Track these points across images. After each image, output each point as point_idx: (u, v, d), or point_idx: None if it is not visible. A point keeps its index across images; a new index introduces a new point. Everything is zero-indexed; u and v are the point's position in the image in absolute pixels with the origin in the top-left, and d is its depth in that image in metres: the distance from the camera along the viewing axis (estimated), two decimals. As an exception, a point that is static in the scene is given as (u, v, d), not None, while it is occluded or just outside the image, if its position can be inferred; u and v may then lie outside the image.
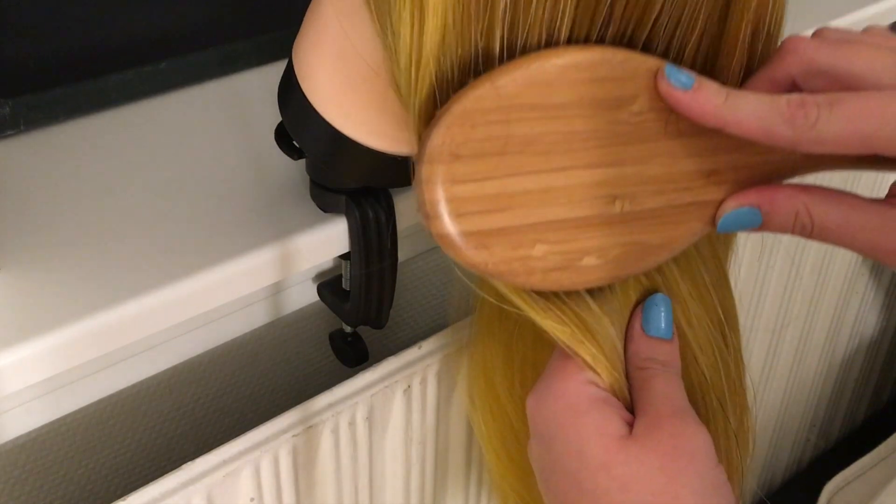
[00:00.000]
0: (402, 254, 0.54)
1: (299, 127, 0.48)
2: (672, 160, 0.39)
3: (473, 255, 0.38)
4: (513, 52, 0.37)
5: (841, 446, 1.24)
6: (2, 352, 0.45)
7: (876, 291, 1.09)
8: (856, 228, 0.38)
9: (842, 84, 0.37)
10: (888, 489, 1.02)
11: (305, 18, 0.46)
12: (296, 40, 0.47)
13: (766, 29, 0.40)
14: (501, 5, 0.36)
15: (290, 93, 0.47)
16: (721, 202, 0.40)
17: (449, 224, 0.37)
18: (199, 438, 0.68)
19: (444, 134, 0.36)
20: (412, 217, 0.54)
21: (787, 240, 0.92)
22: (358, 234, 0.52)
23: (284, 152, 0.51)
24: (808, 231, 0.39)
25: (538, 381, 0.43)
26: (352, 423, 0.59)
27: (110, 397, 0.62)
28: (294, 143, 0.51)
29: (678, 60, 0.40)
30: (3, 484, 0.59)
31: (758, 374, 0.96)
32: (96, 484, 0.64)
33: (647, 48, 0.39)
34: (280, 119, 0.50)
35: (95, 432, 0.62)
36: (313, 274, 0.67)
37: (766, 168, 0.40)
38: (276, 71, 0.51)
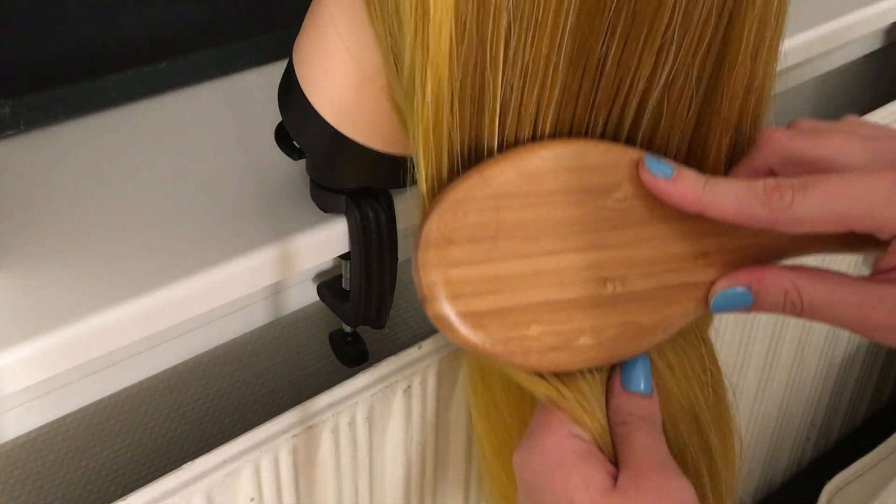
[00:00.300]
0: (402, 254, 0.54)
1: (299, 127, 0.48)
2: (661, 243, 0.40)
3: (470, 336, 0.39)
4: (502, 145, 0.39)
5: (841, 446, 1.24)
6: (2, 352, 0.45)
7: (876, 291, 1.08)
8: (844, 305, 0.39)
9: (816, 170, 0.39)
10: (888, 489, 1.02)
11: (306, 19, 0.46)
12: (296, 40, 0.47)
13: (747, 124, 0.42)
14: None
15: (291, 93, 0.47)
16: (712, 283, 0.41)
17: (445, 306, 0.39)
18: (199, 438, 0.68)
19: (437, 221, 0.39)
20: (412, 217, 0.54)
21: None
22: (358, 234, 0.52)
23: (284, 152, 0.51)
24: (799, 309, 0.40)
25: (523, 438, 0.43)
26: (352, 423, 0.59)
27: (110, 397, 0.62)
28: (294, 143, 0.51)
29: (662, 150, 0.42)
30: (3, 484, 0.59)
31: (758, 375, 0.96)
32: (96, 484, 0.64)
33: (631, 139, 0.41)
34: (280, 119, 0.50)
35: (95, 432, 0.62)
36: (313, 274, 0.67)
37: (754, 250, 0.41)
38: (276, 71, 0.51)
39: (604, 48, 0.39)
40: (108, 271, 0.49)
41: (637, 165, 0.40)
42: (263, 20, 0.66)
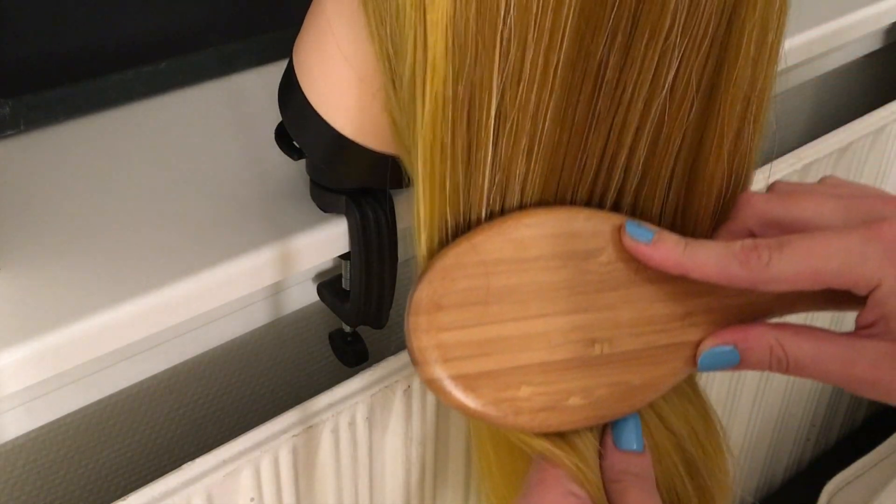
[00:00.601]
0: (402, 254, 0.54)
1: (299, 127, 0.48)
2: (646, 305, 0.41)
3: (462, 399, 0.40)
4: (490, 213, 0.41)
5: (841, 446, 1.24)
6: (2, 352, 0.45)
7: (876, 291, 1.08)
8: (828, 361, 0.40)
9: (793, 230, 0.40)
10: (888, 489, 1.02)
11: (306, 19, 0.46)
12: (296, 41, 0.47)
13: (749, 127, 0.43)
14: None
15: (291, 93, 0.47)
16: (699, 342, 0.42)
17: (437, 370, 0.40)
18: (199, 438, 0.68)
19: (427, 287, 0.40)
20: (412, 217, 0.54)
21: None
22: (358, 234, 0.52)
23: (284, 152, 0.51)
24: (785, 366, 0.41)
25: (520, 496, 0.43)
26: (352, 423, 0.59)
27: (110, 397, 0.62)
28: (294, 143, 0.51)
29: (645, 215, 0.43)
30: (4, 484, 0.59)
31: (758, 375, 0.96)
32: (96, 484, 0.64)
33: (617, 206, 0.43)
34: (280, 119, 0.50)
35: (95, 432, 0.62)
36: (313, 274, 0.67)
37: (740, 309, 0.42)
38: (276, 71, 0.51)
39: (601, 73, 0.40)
40: (108, 271, 0.49)
41: (619, 230, 0.41)
42: (263, 20, 0.66)
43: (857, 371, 0.39)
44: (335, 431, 0.59)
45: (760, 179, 0.76)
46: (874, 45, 1.03)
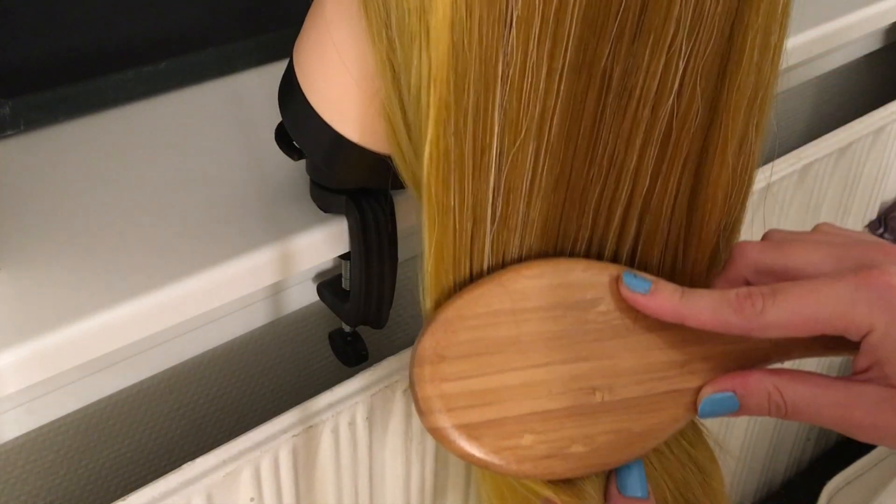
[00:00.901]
0: (402, 254, 0.54)
1: (300, 128, 0.48)
2: (645, 353, 0.42)
3: (466, 447, 0.41)
4: (492, 265, 0.42)
5: (841, 446, 1.24)
6: (2, 352, 0.45)
7: (876, 291, 1.08)
8: (825, 406, 0.41)
9: (786, 278, 0.41)
10: (888, 489, 1.02)
11: (306, 20, 0.46)
12: (297, 42, 0.47)
13: (752, 130, 0.43)
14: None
15: (291, 94, 0.47)
16: (699, 389, 0.43)
17: (441, 419, 0.41)
18: (199, 438, 0.68)
19: (429, 339, 0.41)
20: (412, 217, 0.54)
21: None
22: (358, 234, 0.52)
23: (284, 152, 0.51)
24: (783, 411, 0.41)
25: None
26: (352, 423, 0.59)
27: (110, 397, 0.62)
28: (294, 143, 0.51)
29: (643, 265, 0.44)
30: (4, 484, 0.59)
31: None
32: (96, 484, 0.64)
33: (616, 258, 0.44)
34: (280, 119, 0.50)
35: (95, 432, 0.62)
36: (313, 274, 0.67)
37: (738, 356, 0.43)
38: (276, 71, 0.51)
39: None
40: (108, 271, 0.49)
41: (617, 281, 0.42)
42: (263, 20, 0.66)
43: (855, 417, 0.40)
44: (335, 431, 0.59)
45: (761, 179, 0.76)
46: (874, 45, 1.03)
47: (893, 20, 0.84)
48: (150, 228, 0.52)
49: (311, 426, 0.57)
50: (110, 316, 0.47)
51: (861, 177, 0.94)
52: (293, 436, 0.57)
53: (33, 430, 0.59)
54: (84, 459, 0.62)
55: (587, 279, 0.42)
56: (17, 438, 0.59)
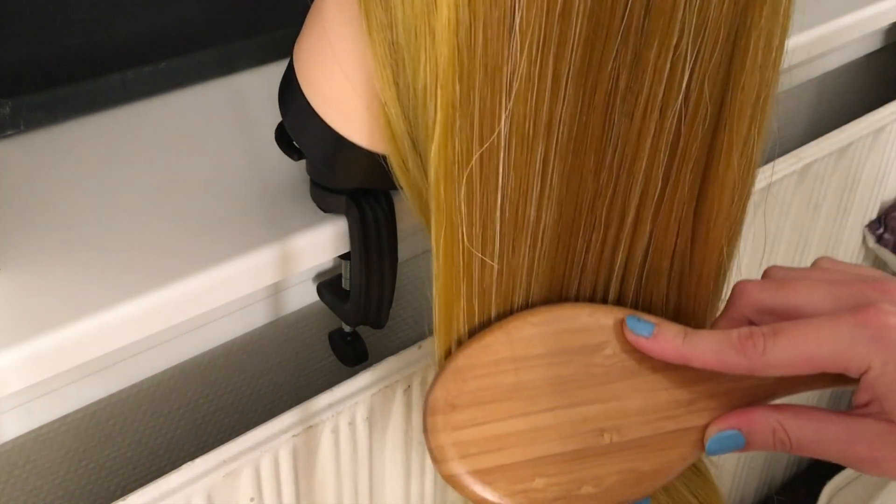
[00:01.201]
0: (402, 254, 0.54)
1: (299, 128, 0.48)
2: (652, 393, 0.43)
3: (480, 492, 0.42)
4: (499, 313, 0.43)
5: (841, 446, 1.24)
6: (2, 352, 0.45)
7: (876, 291, 1.08)
8: (829, 441, 0.42)
9: (787, 317, 0.42)
10: (888, 489, 1.02)
11: (306, 21, 0.46)
12: (297, 42, 0.47)
13: (755, 130, 0.43)
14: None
15: (291, 94, 0.47)
16: (706, 427, 0.44)
17: (455, 466, 0.42)
18: (199, 438, 0.68)
19: (441, 389, 0.42)
20: (412, 217, 0.54)
21: (787, 236, 0.92)
22: (358, 234, 0.52)
23: (284, 153, 0.51)
24: (788, 446, 0.42)
25: None
26: (352, 423, 0.59)
27: (110, 397, 0.62)
28: (294, 143, 0.51)
29: (646, 306, 0.45)
30: (4, 484, 0.59)
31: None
32: (96, 484, 0.64)
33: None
34: (280, 119, 0.50)
35: (95, 432, 0.62)
36: (313, 274, 0.67)
37: (744, 393, 0.44)
38: (276, 71, 0.51)
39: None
40: (108, 271, 0.49)
41: (622, 325, 0.43)
42: (263, 20, 0.66)
43: (857, 451, 0.41)
44: (335, 431, 0.59)
45: (761, 179, 0.76)
46: (874, 45, 1.03)
47: (893, 20, 0.84)
48: (149, 228, 0.52)
49: (311, 426, 0.57)
50: (110, 316, 0.47)
51: (861, 177, 0.94)
52: (293, 436, 0.57)
53: (33, 430, 0.59)
54: (84, 459, 0.62)
55: (592, 323, 0.43)
56: (17, 438, 0.59)
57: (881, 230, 1.05)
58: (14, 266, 0.50)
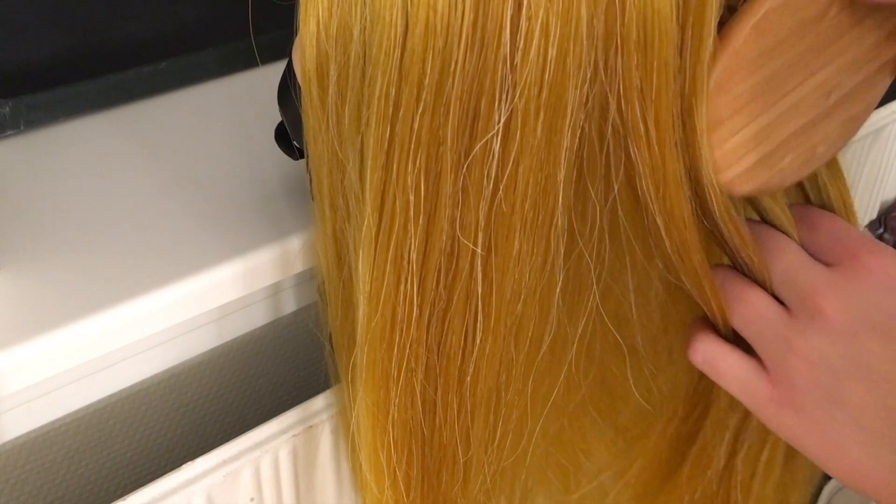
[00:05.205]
0: (402, 254, 0.54)
1: (299, 127, 0.48)
2: (862, 40, 0.45)
3: (744, 187, 0.43)
4: None
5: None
6: (2, 352, 0.45)
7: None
8: None
9: None
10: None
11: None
12: (295, 41, 0.47)
13: None
14: None
15: (289, 93, 0.47)
16: None
17: (726, 174, 0.43)
18: (199, 438, 0.68)
19: (708, 105, 0.42)
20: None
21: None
22: (358, 234, 0.52)
23: (284, 152, 0.51)
24: None
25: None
26: (352, 423, 0.59)
27: (110, 397, 0.62)
28: (294, 143, 0.51)
29: None
30: (3, 484, 0.59)
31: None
32: (96, 484, 0.64)
33: None
34: (280, 119, 0.50)
35: (95, 432, 0.62)
36: (313, 274, 0.67)
37: None
38: (275, 71, 0.51)
39: None
40: (107, 271, 0.49)
41: None
42: (263, 20, 0.66)
43: None
44: (335, 431, 0.59)
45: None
46: (874, 45, 1.03)
47: None
48: (149, 228, 0.52)
49: (311, 426, 0.57)
50: (110, 316, 0.47)
51: (861, 177, 0.94)
52: (293, 436, 0.57)
53: (33, 430, 0.59)
54: (84, 459, 0.62)
55: None
56: (17, 438, 0.59)
57: (881, 230, 1.05)
58: (14, 266, 0.50)
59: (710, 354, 0.43)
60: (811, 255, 0.43)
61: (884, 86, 0.47)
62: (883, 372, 0.39)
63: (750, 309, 0.42)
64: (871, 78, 0.46)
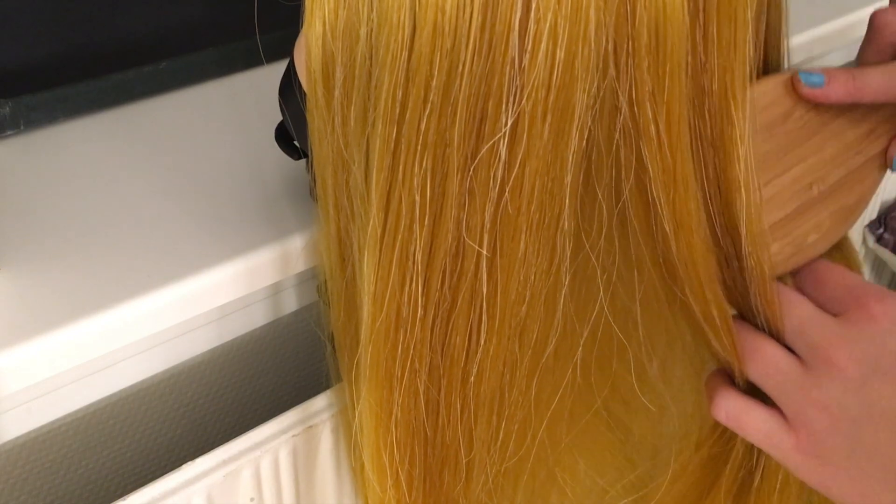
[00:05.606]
0: (402, 254, 0.54)
1: (299, 127, 0.48)
2: (839, 137, 0.47)
3: None
4: None
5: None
6: (2, 352, 0.45)
7: (876, 291, 1.09)
8: None
9: None
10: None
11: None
12: (297, 41, 0.47)
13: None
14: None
15: (291, 93, 0.47)
16: (885, 150, 0.48)
17: None
18: (199, 438, 0.68)
19: None
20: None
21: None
22: (358, 234, 0.52)
23: (284, 152, 0.51)
24: None
25: None
26: (352, 423, 0.59)
27: (110, 397, 0.62)
28: (294, 143, 0.51)
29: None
30: (4, 484, 0.59)
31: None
32: (96, 484, 0.64)
33: None
34: (280, 119, 0.50)
35: (95, 432, 0.62)
36: (313, 274, 0.67)
37: None
38: (276, 71, 0.51)
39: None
40: (107, 271, 0.49)
41: (793, 83, 0.45)
42: (264, 20, 0.66)
43: None
44: (335, 431, 0.59)
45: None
46: (874, 45, 1.03)
47: None
48: (149, 228, 0.52)
49: (311, 426, 0.57)
50: (110, 316, 0.47)
51: (861, 177, 0.94)
52: (293, 436, 0.57)
53: (33, 430, 0.59)
54: (84, 459, 0.62)
55: (775, 96, 0.45)
56: (17, 438, 0.59)
57: (881, 230, 1.05)
58: (14, 266, 0.50)
59: (734, 410, 0.44)
60: (819, 306, 0.44)
61: (874, 179, 0.48)
62: (893, 413, 0.41)
63: (767, 362, 0.43)
64: (858, 171, 0.47)
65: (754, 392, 0.45)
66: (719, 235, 0.43)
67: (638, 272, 0.42)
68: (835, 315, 0.43)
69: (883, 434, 0.41)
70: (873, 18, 0.47)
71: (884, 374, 0.41)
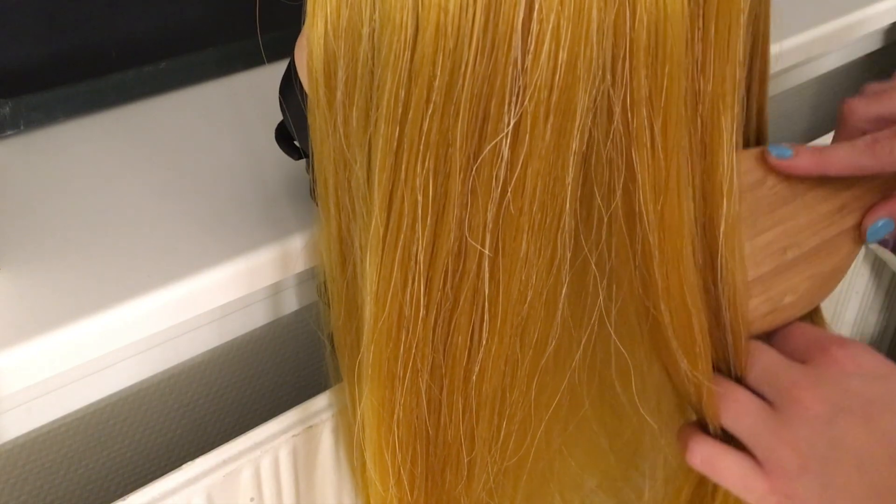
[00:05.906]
0: (402, 254, 0.54)
1: (300, 127, 0.48)
2: (812, 209, 0.49)
3: None
4: None
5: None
6: (2, 352, 0.45)
7: (876, 291, 1.08)
8: None
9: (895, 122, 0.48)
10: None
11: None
12: (297, 41, 0.47)
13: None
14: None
15: (291, 93, 0.47)
16: (859, 224, 0.50)
17: None
18: (199, 438, 0.68)
19: None
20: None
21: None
22: (358, 234, 0.52)
23: (284, 152, 0.51)
24: None
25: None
26: (352, 423, 0.59)
27: (110, 397, 0.62)
28: (294, 142, 0.51)
29: None
30: (4, 484, 0.59)
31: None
32: (96, 484, 0.64)
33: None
34: (280, 119, 0.50)
35: (95, 432, 0.62)
36: (313, 274, 0.67)
37: (878, 190, 0.50)
38: (276, 71, 0.51)
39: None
40: (107, 271, 0.49)
41: (764, 156, 0.48)
42: (263, 20, 0.66)
43: None
44: (335, 431, 0.59)
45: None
46: (874, 45, 1.03)
47: (893, 20, 0.84)
48: (149, 228, 0.52)
49: (311, 426, 0.57)
50: (110, 316, 0.47)
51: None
52: (293, 436, 0.57)
53: (33, 430, 0.59)
54: (84, 459, 0.62)
55: (749, 165, 0.48)
56: (17, 438, 0.59)
57: (881, 230, 1.05)
58: (14, 266, 0.50)
59: (708, 456, 0.45)
60: (786, 357, 0.46)
61: (849, 251, 0.50)
62: (861, 451, 0.42)
63: (738, 406, 0.45)
64: (833, 241, 0.50)
65: (728, 442, 0.46)
66: (701, 264, 0.43)
67: (617, 286, 0.42)
68: (801, 363, 0.45)
69: (851, 472, 0.42)
70: (841, 107, 0.50)
71: (849, 412, 0.42)
